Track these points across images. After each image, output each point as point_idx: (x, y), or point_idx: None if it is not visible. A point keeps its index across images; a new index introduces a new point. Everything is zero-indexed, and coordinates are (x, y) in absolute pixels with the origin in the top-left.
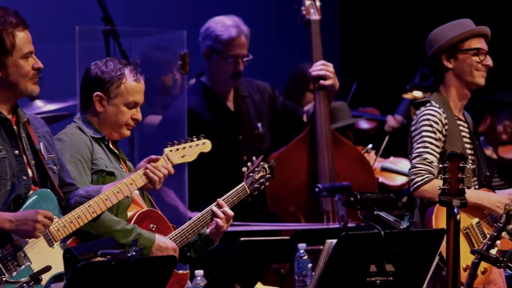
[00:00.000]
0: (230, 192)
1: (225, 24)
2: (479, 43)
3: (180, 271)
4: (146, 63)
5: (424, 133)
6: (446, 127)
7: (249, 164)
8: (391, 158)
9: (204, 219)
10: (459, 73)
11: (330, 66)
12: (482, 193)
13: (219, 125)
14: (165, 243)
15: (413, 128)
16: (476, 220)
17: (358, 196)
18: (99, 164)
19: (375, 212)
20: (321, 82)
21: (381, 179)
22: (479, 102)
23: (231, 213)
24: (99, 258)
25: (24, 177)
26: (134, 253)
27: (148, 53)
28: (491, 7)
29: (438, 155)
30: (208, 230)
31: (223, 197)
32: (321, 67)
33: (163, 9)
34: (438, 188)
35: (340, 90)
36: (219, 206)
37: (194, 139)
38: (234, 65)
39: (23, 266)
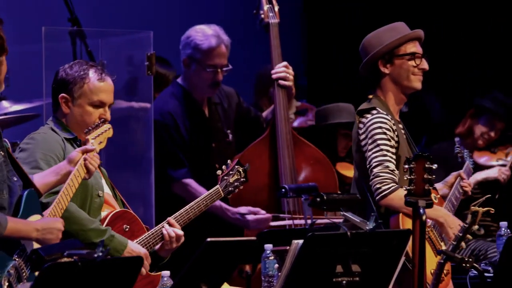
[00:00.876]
0: (204, 195)
1: (205, 34)
2: (414, 47)
3: (152, 273)
4: (112, 64)
5: (379, 141)
6: (396, 133)
7: (223, 167)
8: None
9: (157, 235)
10: (396, 78)
11: (291, 69)
12: (440, 210)
13: (193, 129)
14: (137, 248)
15: (362, 136)
16: (431, 222)
17: (325, 197)
18: None
19: (342, 212)
20: (282, 82)
21: None
22: (460, 102)
23: (180, 232)
24: (66, 259)
25: (15, 178)
26: (100, 253)
27: (114, 54)
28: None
29: (395, 162)
30: (157, 246)
31: (174, 215)
32: (283, 69)
33: (130, 10)
34: (404, 188)
35: (302, 91)
36: (170, 224)
37: (101, 124)
38: (213, 75)
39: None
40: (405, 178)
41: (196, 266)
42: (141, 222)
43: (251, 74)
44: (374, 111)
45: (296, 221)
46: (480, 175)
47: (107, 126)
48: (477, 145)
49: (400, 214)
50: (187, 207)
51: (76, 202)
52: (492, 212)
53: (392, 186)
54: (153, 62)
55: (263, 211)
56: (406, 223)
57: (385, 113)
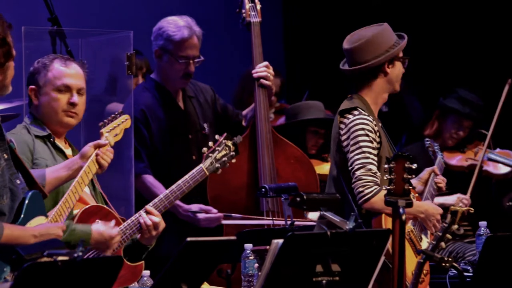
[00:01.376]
0: (186, 176)
1: (177, 25)
2: (401, 52)
3: (137, 263)
4: (93, 63)
5: (362, 143)
6: (378, 134)
7: (210, 143)
8: (498, 150)
9: (135, 225)
10: (391, 79)
11: (271, 69)
12: (421, 205)
13: (171, 122)
14: (98, 229)
15: (344, 137)
16: (411, 222)
17: (305, 196)
18: (39, 164)
19: (321, 212)
20: (262, 81)
21: (485, 168)
22: (428, 104)
23: (157, 220)
24: (46, 259)
25: (18, 181)
26: (80, 253)
27: (95, 54)
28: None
29: (377, 164)
30: (138, 236)
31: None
32: (264, 69)
33: (110, 10)
34: (384, 188)
35: (282, 90)
36: (148, 212)
37: (118, 116)
38: (185, 66)
39: None
40: (385, 178)
41: (176, 265)
42: (116, 215)
43: (233, 73)
44: (356, 112)
45: (265, 222)
46: (437, 200)
47: (124, 117)
48: (446, 145)
49: (383, 215)
50: (167, 191)
51: (47, 202)
52: (472, 211)
53: (375, 189)
54: (133, 62)
55: (215, 210)
56: (388, 224)
57: (366, 113)
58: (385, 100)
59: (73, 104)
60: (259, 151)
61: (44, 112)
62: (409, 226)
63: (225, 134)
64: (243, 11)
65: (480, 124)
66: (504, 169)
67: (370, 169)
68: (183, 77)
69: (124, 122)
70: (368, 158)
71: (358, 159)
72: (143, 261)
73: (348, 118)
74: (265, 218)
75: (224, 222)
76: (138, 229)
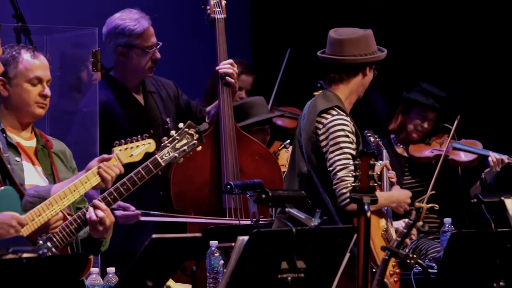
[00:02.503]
0: (140, 167)
1: (134, 18)
2: None
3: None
4: (58, 60)
5: (342, 144)
6: (356, 134)
7: (172, 132)
8: (463, 140)
9: (78, 219)
10: (365, 83)
11: (235, 66)
12: (391, 196)
13: (131, 119)
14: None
15: (322, 137)
16: (384, 222)
17: (270, 193)
18: None
19: (287, 209)
20: (227, 79)
21: (451, 157)
22: (391, 99)
23: (102, 214)
24: (10, 256)
25: None
26: (45, 250)
27: (60, 50)
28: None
29: None
30: (86, 230)
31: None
32: (228, 66)
33: (75, 7)
34: (350, 185)
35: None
36: (95, 207)
37: (140, 139)
38: (153, 54)
39: None
40: (350, 175)
41: (141, 262)
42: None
43: (199, 70)
44: (334, 112)
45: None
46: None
47: (147, 141)
48: (411, 138)
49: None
50: (119, 183)
51: None
52: (436, 208)
53: None
54: (98, 59)
55: (133, 208)
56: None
57: (344, 114)
58: (354, 101)
59: (45, 96)
60: (222, 148)
61: (14, 104)
62: (383, 225)
63: (188, 122)
64: (208, 7)
65: (444, 117)
66: (469, 156)
67: (351, 170)
68: (152, 66)
69: (145, 145)
70: (349, 159)
71: (340, 159)
72: (91, 256)
73: (326, 118)
74: (186, 216)
75: (143, 218)
76: (83, 223)
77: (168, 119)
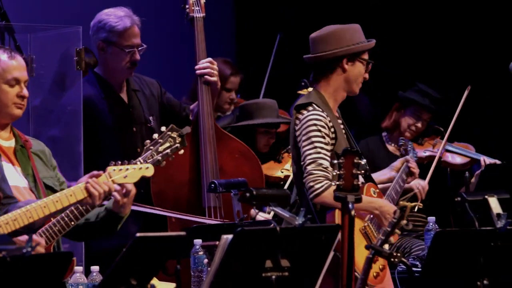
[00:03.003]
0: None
1: (118, 15)
2: (367, 56)
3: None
4: (42, 58)
5: (314, 139)
6: (333, 129)
7: (155, 135)
8: (455, 143)
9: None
10: (349, 78)
11: (215, 64)
12: (375, 202)
13: (114, 117)
14: None
15: (298, 133)
16: (368, 217)
17: (254, 192)
18: None
19: (271, 207)
20: (207, 77)
21: (444, 159)
22: (385, 97)
23: (129, 187)
24: None
25: None
26: (29, 248)
27: (44, 49)
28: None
29: (329, 159)
30: (111, 204)
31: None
32: (208, 64)
33: (59, 5)
34: (334, 183)
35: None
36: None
37: (138, 162)
38: (131, 55)
39: None
40: (334, 173)
41: (125, 261)
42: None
43: (179, 69)
44: (310, 107)
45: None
46: None
47: (145, 165)
48: (404, 137)
49: (336, 210)
50: None
51: None
52: (421, 207)
53: (325, 184)
54: (82, 57)
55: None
56: (339, 218)
57: (321, 109)
58: (344, 97)
59: (23, 97)
60: (201, 147)
61: None
62: (366, 220)
63: (171, 126)
64: (187, 6)
65: (438, 119)
66: (461, 159)
67: (321, 164)
68: (129, 67)
69: (143, 169)
70: (319, 153)
71: (310, 154)
72: (74, 258)
73: (303, 114)
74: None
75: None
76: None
77: (151, 118)
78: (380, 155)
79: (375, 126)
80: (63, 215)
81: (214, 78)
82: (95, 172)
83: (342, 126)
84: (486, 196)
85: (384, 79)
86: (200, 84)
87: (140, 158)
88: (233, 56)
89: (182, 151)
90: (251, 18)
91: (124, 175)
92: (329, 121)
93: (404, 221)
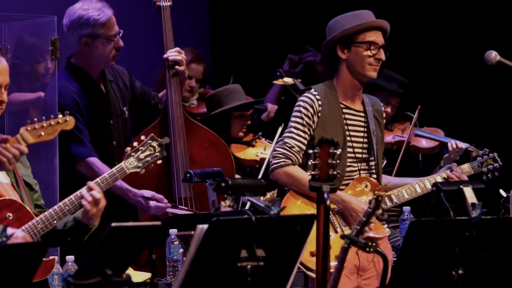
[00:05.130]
0: (105, 174)
1: (96, 8)
2: (374, 36)
3: (45, 258)
4: (17, 49)
5: (292, 119)
6: (320, 114)
7: (135, 143)
8: (425, 127)
9: (72, 203)
10: (351, 64)
11: (183, 53)
12: (340, 195)
13: (95, 108)
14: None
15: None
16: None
17: (229, 182)
18: None
19: (246, 197)
20: (176, 67)
21: (412, 143)
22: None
23: (98, 196)
24: None
25: None
26: (5, 238)
27: (19, 38)
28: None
29: (304, 140)
30: (81, 214)
31: (95, 180)
32: (176, 53)
33: None
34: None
35: (206, 77)
36: (89, 188)
37: (57, 116)
38: (116, 42)
39: None
40: (309, 163)
41: (100, 251)
42: (28, 210)
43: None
44: (307, 92)
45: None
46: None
47: (62, 118)
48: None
49: (287, 194)
50: (86, 187)
51: None
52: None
53: (282, 161)
54: (57, 47)
55: (165, 200)
56: (288, 201)
57: (316, 93)
58: (358, 86)
59: (1, 102)
60: (171, 137)
61: None
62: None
63: (151, 135)
64: None
65: (406, 104)
66: (430, 143)
67: (286, 143)
68: (115, 54)
69: (61, 123)
70: (291, 132)
71: (285, 133)
72: (55, 257)
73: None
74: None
75: (170, 210)
76: (76, 207)
77: (125, 108)
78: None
79: None
80: (46, 213)
81: (182, 67)
82: (4, 137)
83: (349, 117)
84: (461, 186)
85: None
86: (168, 73)
87: (123, 164)
88: (207, 46)
89: (160, 161)
90: (225, 7)
91: (38, 134)
92: (319, 105)
93: (380, 211)
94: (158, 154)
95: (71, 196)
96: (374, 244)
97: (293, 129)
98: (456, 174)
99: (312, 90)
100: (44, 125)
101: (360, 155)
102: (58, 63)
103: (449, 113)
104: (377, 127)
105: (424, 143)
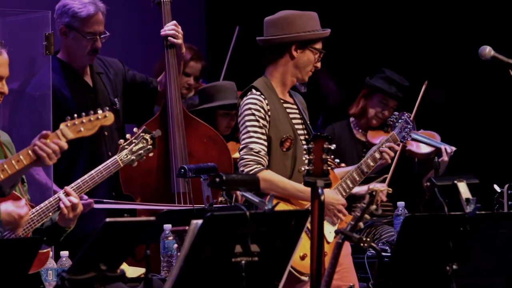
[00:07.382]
0: (100, 166)
1: (83, 2)
2: (320, 45)
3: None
4: (10, 43)
5: (247, 123)
6: (269, 112)
7: (128, 135)
8: (421, 131)
9: (52, 206)
10: (298, 65)
11: (180, 28)
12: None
13: (80, 101)
14: (7, 209)
15: (239, 119)
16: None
17: (224, 177)
18: None
19: (241, 192)
20: (171, 39)
21: (408, 147)
22: (353, 83)
23: (75, 201)
24: None
25: None
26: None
27: (12, 33)
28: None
29: (265, 142)
30: (57, 217)
31: (74, 183)
32: (173, 27)
33: None
34: (303, 169)
35: (206, 71)
36: (67, 194)
37: (96, 112)
38: (93, 42)
39: None
40: (304, 159)
41: (95, 246)
42: (25, 201)
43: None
44: (249, 93)
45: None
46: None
47: (102, 114)
48: (371, 124)
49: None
50: (79, 180)
51: None
52: (390, 192)
53: (255, 168)
54: (52, 42)
55: (85, 197)
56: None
57: (259, 92)
58: (293, 83)
59: (2, 94)
60: (170, 132)
61: None
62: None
63: (143, 127)
64: None
65: (405, 105)
66: (426, 149)
67: (251, 149)
68: (90, 54)
69: (100, 118)
70: (251, 137)
71: (243, 139)
72: (49, 249)
73: (243, 100)
74: (137, 203)
75: (96, 206)
76: (55, 210)
77: (116, 99)
78: (346, 141)
79: (343, 111)
80: (42, 205)
81: (179, 41)
82: (44, 132)
83: (290, 110)
84: (456, 181)
85: (351, 62)
86: (165, 49)
87: (116, 156)
88: (203, 41)
89: (152, 154)
90: (221, 3)
91: (78, 129)
92: (267, 104)
93: (374, 206)
94: (150, 147)
95: (50, 199)
96: (368, 239)
97: (252, 133)
98: (387, 146)
99: (254, 90)
100: (84, 120)
101: (306, 147)
102: (52, 58)
103: (446, 114)
104: (307, 116)
105: (420, 149)
